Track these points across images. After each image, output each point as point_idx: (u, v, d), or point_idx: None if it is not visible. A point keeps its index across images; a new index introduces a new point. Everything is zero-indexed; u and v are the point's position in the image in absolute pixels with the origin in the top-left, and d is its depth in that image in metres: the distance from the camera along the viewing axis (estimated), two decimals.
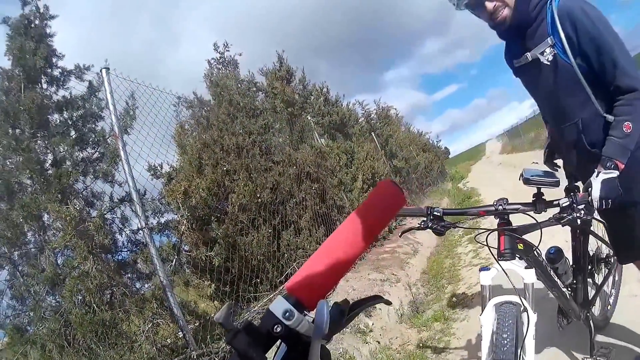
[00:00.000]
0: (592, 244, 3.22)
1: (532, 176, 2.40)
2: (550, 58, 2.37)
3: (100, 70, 4.64)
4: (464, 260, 7.76)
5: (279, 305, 0.84)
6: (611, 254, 3.37)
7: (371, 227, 1.02)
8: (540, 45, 2.38)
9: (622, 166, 2.22)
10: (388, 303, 1.10)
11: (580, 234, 2.94)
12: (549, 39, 2.34)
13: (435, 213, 2.44)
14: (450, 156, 74.11)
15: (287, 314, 0.82)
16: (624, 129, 2.20)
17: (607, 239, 2.98)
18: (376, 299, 1.05)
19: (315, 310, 0.88)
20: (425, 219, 2.46)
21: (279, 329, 0.82)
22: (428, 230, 2.44)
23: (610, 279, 3.50)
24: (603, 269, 3.44)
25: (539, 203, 2.31)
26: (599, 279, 3.34)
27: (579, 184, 2.67)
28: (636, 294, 3.91)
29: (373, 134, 16.16)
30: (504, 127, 70.98)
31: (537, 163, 18.46)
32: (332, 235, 1.02)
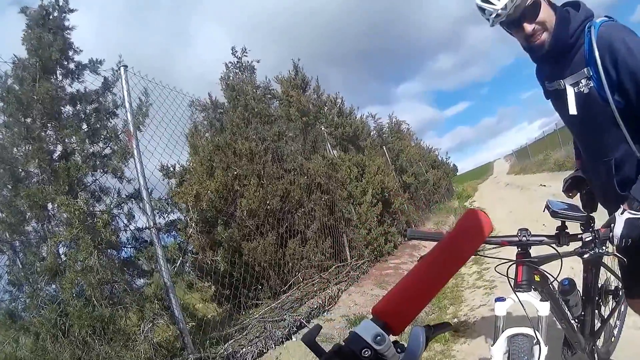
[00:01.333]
0: (602, 276, 3.16)
1: (559, 209, 2.38)
2: (586, 91, 2.27)
3: (119, 68, 4.71)
4: (468, 281, 7.71)
5: (368, 328, 0.82)
6: (620, 287, 3.31)
7: (461, 254, 1.03)
8: (576, 75, 2.30)
9: None
10: (456, 331, 1.10)
11: (592, 266, 2.88)
12: (585, 69, 2.24)
13: None
14: (457, 173, 73.81)
15: (378, 338, 0.80)
16: None
17: (617, 272, 2.97)
18: (447, 326, 1.03)
19: (408, 336, 0.86)
20: None
21: (367, 353, 0.79)
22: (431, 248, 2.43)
23: (616, 312, 3.45)
24: (611, 302, 3.41)
25: (562, 236, 2.28)
26: (605, 311, 3.31)
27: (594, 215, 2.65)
28: None
29: (384, 148, 16.13)
30: (513, 148, 70.73)
31: (544, 186, 18.40)
32: (423, 260, 1.01)
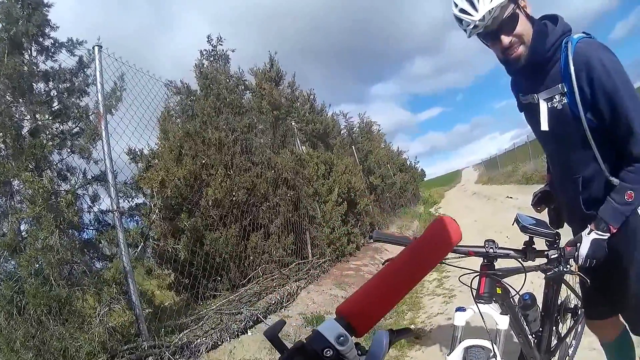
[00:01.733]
0: (562, 293, 3.14)
1: (529, 225, 2.35)
2: (560, 107, 2.27)
3: (93, 47, 4.60)
4: (427, 288, 7.75)
5: (331, 328, 0.82)
6: (579, 306, 3.30)
7: (429, 260, 1.04)
8: (551, 90, 2.29)
9: (614, 230, 2.18)
10: (417, 337, 1.08)
11: (554, 282, 2.86)
12: (560, 85, 2.23)
13: None
14: (425, 179, 74.55)
15: (342, 338, 0.80)
16: (625, 197, 2.16)
17: (578, 290, 2.97)
18: (409, 332, 1.02)
19: (371, 339, 0.86)
20: None
21: (329, 353, 0.79)
22: (394, 253, 2.39)
23: (573, 331, 3.44)
24: (569, 320, 3.40)
25: (529, 252, 2.29)
26: (563, 329, 3.30)
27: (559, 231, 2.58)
28: (595, 347, 3.90)
29: (354, 148, 16.17)
30: (483, 157, 71.55)
31: (511, 198, 18.63)
32: (390, 263, 1.01)
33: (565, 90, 2.21)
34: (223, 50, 9.76)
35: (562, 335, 3.25)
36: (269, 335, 0.86)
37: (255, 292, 6.23)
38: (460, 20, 2.22)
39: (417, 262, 1.02)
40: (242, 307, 5.56)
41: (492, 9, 2.10)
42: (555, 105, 2.28)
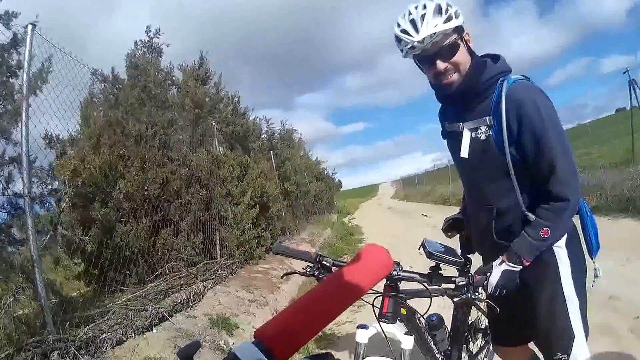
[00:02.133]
0: (473, 312, 3.20)
1: (435, 251, 2.33)
2: (483, 137, 2.33)
3: (26, 26, 4.46)
4: None
5: (248, 352, 0.79)
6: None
7: (358, 288, 1.04)
8: (477, 121, 2.35)
9: (526, 264, 2.26)
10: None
11: (463, 304, 2.87)
12: (487, 118, 2.30)
13: (324, 262, 2.37)
14: (342, 189, 75.11)
15: None
16: (541, 233, 2.22)
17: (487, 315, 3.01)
18: (329, 357, 0.95)
19: None
20: (312, 265, 2.39)
21: None
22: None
23: (485, 350, 3.52)
24: (480, 339, 3.49)
25: (435, 277, 2.30)
26: (474, 347, 3.39)
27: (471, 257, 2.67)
28: None
29: (272, 153, 16.21)
30: (402, 174, 72.53)
31: (426, 216, 19.14)
32: (317, 287, 1.00)
33: (492, 123, 2.28)
34: (158, 43, 9.68)
35: (474, 353, 3.33)
36: (183, 357, 0.81)
37: (161, 290, 6.16)
38: (399, 40, 2.24)
39: (345, 287, 1.02)
40: (148, 304, 5.48)
41: (434, 33, 2.14)
42: (479, 136, 2.35)
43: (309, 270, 2.37)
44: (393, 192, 64.41)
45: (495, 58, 2.40)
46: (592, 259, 2.46)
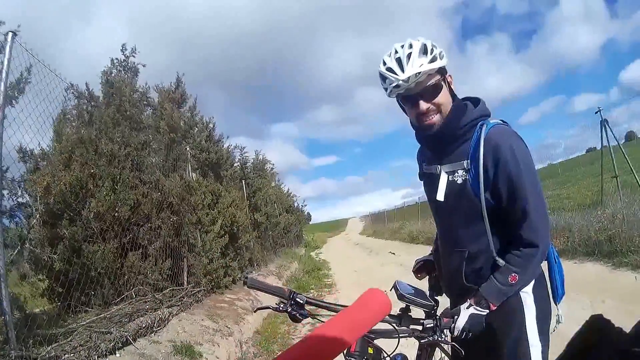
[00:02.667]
0: (437, 353, 3.19)
1: (406, 293, 2.30)
2: (460, 181, 2.34)
3: (6, 34, 4.42)
4: (300, 330, 7.80)
5: None
6: None
7: (357, 328, 1.06)
8: (455, 164, 2.35)
9: (493, 308, 2.26)
10: None
11: (429, 346, 2.71)
12: (465, 162, 2.30)
13: (297, 299, 2.29)
14: (310, 222, 74.88)
15: None
16: (509, 279, 2.23)
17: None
18: None
19: None
20: (285, 301, 2.31)
21: None
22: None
23: None
24: None
25: (404, 319, 2.28)
26: None
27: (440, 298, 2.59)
28: None
29: (244, 182, 16.16)
30: (371, 210, 72.69)
31: (393, 254, 19.15)
32: (319, 328, 1.01)
33: (469, 167, 2.29)
34: (134, 62, 9.61)
35: None
36: None
37: (126, 313, 6.03)
38: (384, 78, 2.25)
39: (345, 328, 1.03)
40: (113, 327, 5.37)
41: (419, 73, 2.15)
42: (456, 179, 2.35)
43: (282, 306, 2.30)
44: (362, 228, 64.56)
45: (476, 102, 2.42)
46: (556, 305, 2.46)
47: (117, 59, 9.49)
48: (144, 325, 5.77)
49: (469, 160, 2.29)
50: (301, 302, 2.27)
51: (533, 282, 2.33)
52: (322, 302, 2.37)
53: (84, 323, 5.46)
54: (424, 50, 2.18)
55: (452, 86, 2.34)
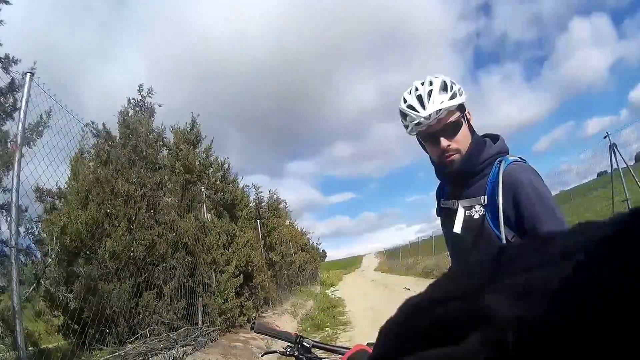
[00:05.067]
0: None
1: None
2: (477, 216, 2.31)
3: (24, 74, 4.54)
4: None
5: None
6: None
7: None
8: (473, 200, 2.34)
9: None
10: None
11: None
12: (483, 197, 2.28)
13: (304, 343, 2.33)
14: (326, 260, 74.43)
15: None
16: None
17: None
18: None
19: None
20: (292, 345, 2.34)
21: None
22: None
23: None
24: None
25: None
26: None
27: None
28: None
29: (258, 222, 16.24)
30: (386, 246, 72.18)
31: (409, 289, 18.98)
32: None
33: (487, 203, 2.25)
34: (151, 102, 9.78)
35: None
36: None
37: (141, 352, 6.07)
38: (405, 116, 2.27)
39: None
40: None
41: (440, 110, 2.16)
42: (473, 215, 2.32)
43: (289, 350, 2.33)
44: (377, 264, 64.14)
45: (495, 138, 2.43)
46: None
47: (133, 98, 9.64)
48: None
49: (486, 196, 2.27)
50: (308, 346, 2.32)
51: None
52: (328, 345, 2.40)
53: None
54: (444, 87, 2.22)
55: (471, 122, 2.36)
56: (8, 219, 4.69)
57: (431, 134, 2.27)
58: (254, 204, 18.27)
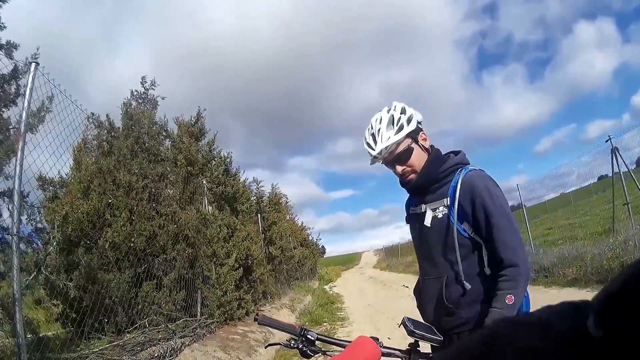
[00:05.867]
0: None
1: (415, 329, 2.34)
2: (440, 215, 2.69)
3: (29, 63, 4.57)
4: None
5: None
6: None
7: None
8: (437, 202, 2.71)
9: None
10: None
11: None
12: (445, 199, 2.67)
13: (308, 336, 2.38)
14: (325, 256, 74.39)
15: None
16: (506, 301, 2.43)
17: None
18: None
19: None
20: (296, 338, 2.40)
21: None
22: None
23: None
24: None
25: (414, 353, 2.36)
26: None
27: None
28: None
29: (259, 216, 16.25)
30: (385, 243, 72.13)
31: (407, 287, 19.03)
32: None
33: (449, 203, 2.65)
34: (154, 95, 9.78)
35: None
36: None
37: (139, 342, 6.10)
38: (367, 151, 2.73)
39: None
40: (125, 355, 5.43)
41: (388, 145, 2.63)
42: (437, 214, 2.72)
43: (292, 342, 2.39)
44: (375, 261, 64.20)
45: (457, 152, 2.85)
46: None
47: (136, 90, 9.66)
48: (156, 355, 5.82)
49: (449, 198, 2.66)
50: (312, 338, 2.39)
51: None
52: (332, 338, 2.46)
53: (97, 350, 5.53)
54: (392, 122, 2.68)
55: (425, 144, 2.80)
56: (10, 207, 4.70)
57: (388, 163, 2.78)
58: (255, 198, 18.27)
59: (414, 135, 2.72)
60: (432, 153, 2.80)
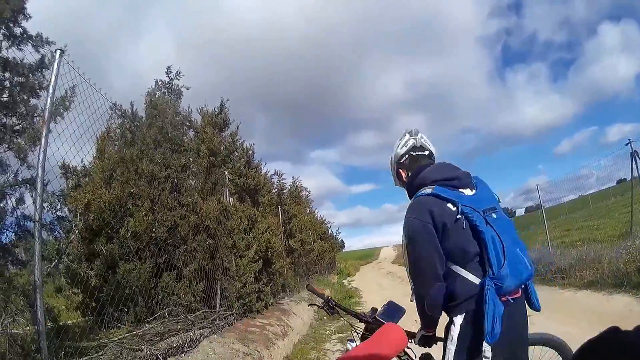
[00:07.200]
0: None
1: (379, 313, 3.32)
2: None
3: (55, 50, 4.59)
4: (330, 357, 7.79)
5: None
6: None
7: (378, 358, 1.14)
8: None
9: (428, 332, 2.96)
10: None
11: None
12: None
13: (330, 303, 3.45)
14: (344, 250, 74.44)
15: None
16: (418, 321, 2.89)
17: None
18: None
19: None
20: (324, 303, 3.47)
21: None
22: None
23: None
24: None
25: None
26: None
27: None
28: None
29: (280, 208, 16.24)
30: None
31: None
32: (344, 357, 1.09)
33: None
34: (178, 85, 9.76)
35: None
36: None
37: (158, 332, 6.10)
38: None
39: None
40: (144, 345, 5.43)
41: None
42: None
43: (323, 305, 3.49)
44: (394, 257, 64.04)
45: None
46: (488, 344, 2.53)
47: (161, 80, 9.58)
48: (174, 345, 5.82)
49: None
50: (332, 304, 3.46)
51: (463, 315, 2.62)
52: (347, 308, 3.54)
53: (116, 339, 5.55)
54: None
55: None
56: (33, 194, 4.69)
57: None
58: (276, 190, 18.27)
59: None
60: (413, 173, 3.20)
